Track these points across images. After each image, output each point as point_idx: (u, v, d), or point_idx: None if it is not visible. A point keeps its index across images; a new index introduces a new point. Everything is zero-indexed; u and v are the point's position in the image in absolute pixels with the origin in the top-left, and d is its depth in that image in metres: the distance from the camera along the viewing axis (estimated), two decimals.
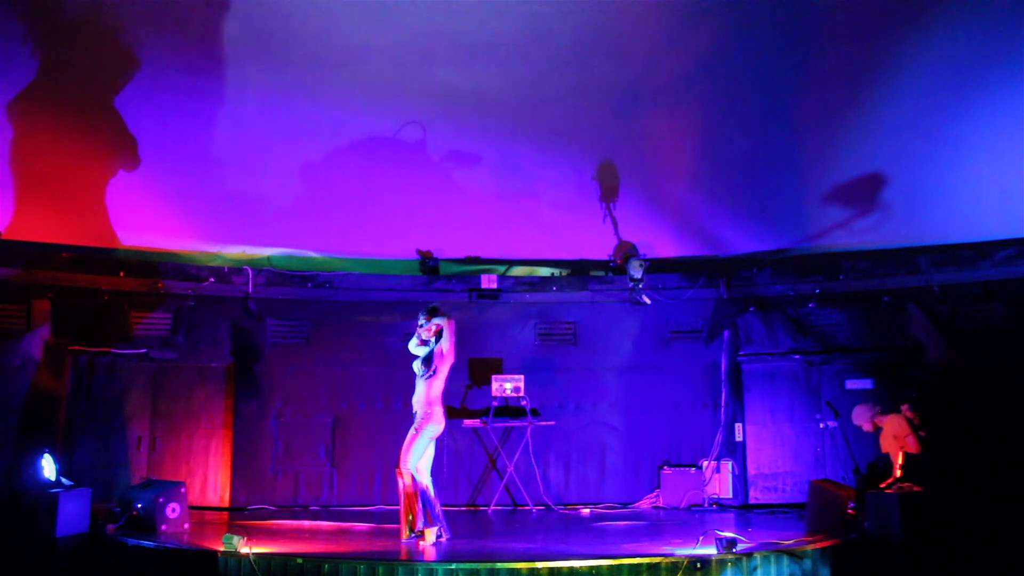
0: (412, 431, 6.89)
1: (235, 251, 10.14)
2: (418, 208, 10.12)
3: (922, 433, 7.93)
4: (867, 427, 8.22)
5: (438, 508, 6.97)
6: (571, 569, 5.74)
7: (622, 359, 10.17)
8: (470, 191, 10.12)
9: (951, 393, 8.06)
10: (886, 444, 8.03)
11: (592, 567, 5.75)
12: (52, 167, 9.27)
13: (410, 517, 6.79)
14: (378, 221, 10.16)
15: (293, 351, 10.02)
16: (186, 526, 7.46)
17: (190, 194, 9.76)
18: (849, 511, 6.95)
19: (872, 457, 8.57)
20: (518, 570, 5.70)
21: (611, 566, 5.77)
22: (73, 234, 9.55)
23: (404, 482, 6.81)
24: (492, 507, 9.68)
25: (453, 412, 9.52)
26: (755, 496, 9.57)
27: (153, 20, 8.74)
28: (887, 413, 8.20)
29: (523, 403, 9.73)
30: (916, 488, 6.77)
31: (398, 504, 7.01)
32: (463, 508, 9.64)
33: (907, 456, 7.55)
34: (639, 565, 5.79)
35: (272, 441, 9.82)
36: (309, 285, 10.16)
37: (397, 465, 6.90)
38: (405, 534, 6.79)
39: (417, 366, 7.07)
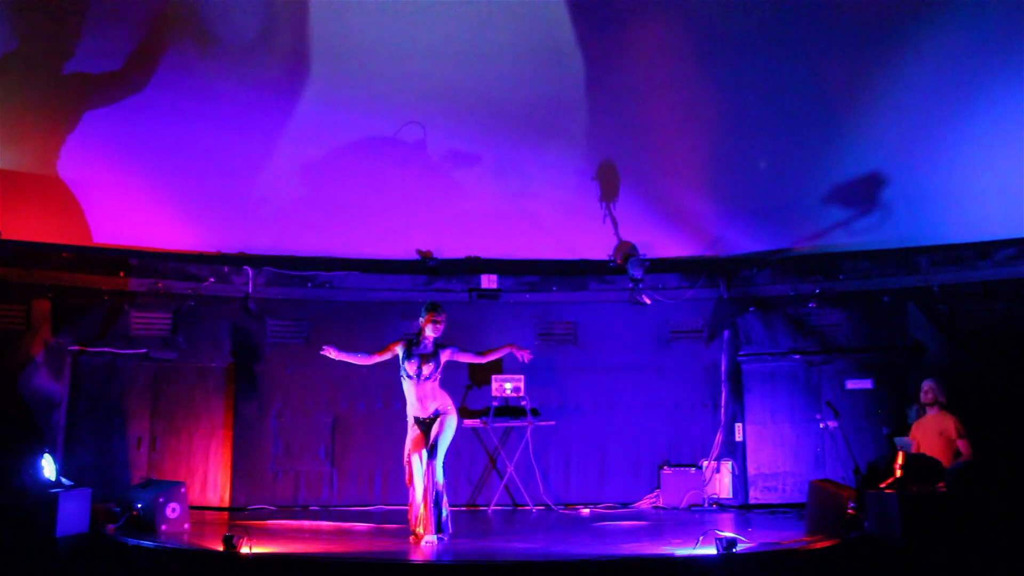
0: (447, 421, 6.95)
1: (235, 251, 10.14)
2: (418, 208, 10.12)
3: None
4: (926, 398, 7.91)
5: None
6: (571, 569, 5.74)
7: (622, 359, 10.16)
8: (470, 191, 10.12)
9: (951, 393, 8.04)
10: (928, 440, 7.74)
11: (592, 567, 5.75)
12: (50, 167, 9.28)
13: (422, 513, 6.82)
14: (378, 221, 10.15)
15: (293, 351, 10.02)
16: (186, 526, 7.46)
17: (190, 194, 9.76)
18: (849, 511, 6.93)
19: (872, 457, 8.56)
20: (518, 570, 5.70)
21: (611, 566, 5.77)
22: (73, 234, 9.55)
23: (438, 480, 6.84)
24: (492, 507, 9.68)
25: None
26: (755, 496, 9.57)
27: (152, 20, 8.74)
28: (942, 407, 7.91)
29: (523, 403, 9.73)
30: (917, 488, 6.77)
31: (404, 503, 7.04)
32: (463, 508, 9.63)
33: (907, 456, 7.53)
34: (639, 565, 5.80)
35: (272, 441, 9.82)
36: (309, 285, 10.16)
37: (434, 458, 6.88)
38: (430, 530, 6.78)
39: (414, 370, 7.01)
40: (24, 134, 9.01)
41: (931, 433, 7.75)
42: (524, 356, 7.34)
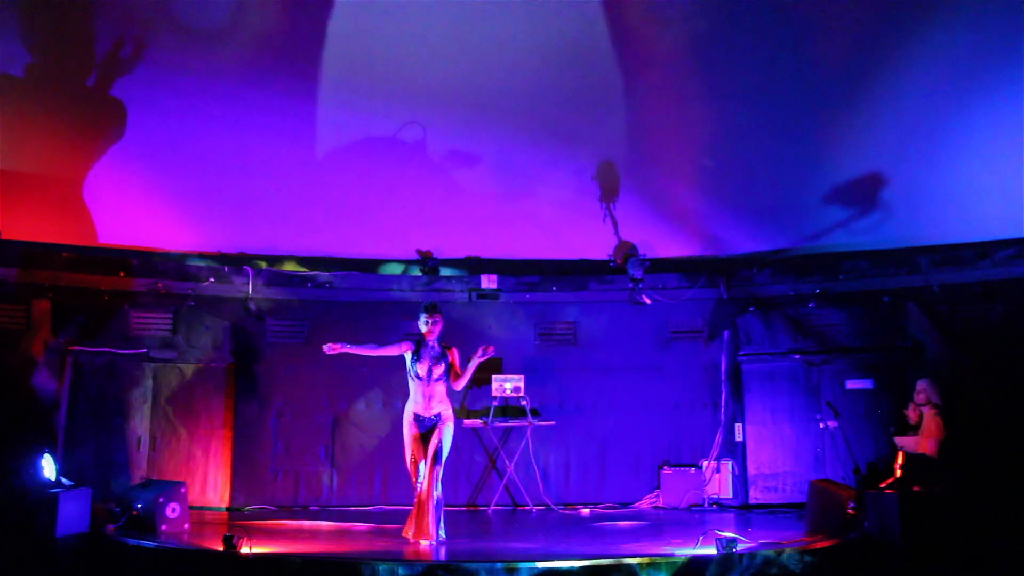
0: (445, 430, 6.94)
1: (235, 251, 10.14)
2: (418, 208, 10.12)
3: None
4: (921, 398, 7.98)
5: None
6: (571, 569, 5.74)
7: (622, 359, 10.17)
8: (470, 191, 10.11)
9: (951, 393, 8.04)
10: (920, 439, 7.82)
11: (591, 567, 5.75)
12: (50, 167, 9.28)
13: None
14: (378, 221, 10.15)
15: (293, 351, 10.02)
16: (186, 526, 7.46)
17: (190, 194, 9.76)
18: (849, 511, 6.94)
19: (872, 457, 8.56)
20: (517, 570, 5.70)
21: (611, 566, 5.77)
22: (73, 234, 9.56)
23: (437, 490, 6.85)
24: (492, 507, 9.68)
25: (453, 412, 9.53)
26: (755, 496, 9.57)
27: (153, 20, 8.74)
28: (932, 406, 7.90)
29: (523, 403, 9.73)
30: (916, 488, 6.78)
31: (404, 503, 7.01)
32: (463, 508, 9.64)
33: (907, 456, 7.55)
34: (639, 564, 5.79)
35: (272, 441, 9.82)
36: (309, 285, 10.16)
37: (440, 464, 6.89)
38: (421, 537, 6.77)
39: (425, 371, 6.99)
40: (35, 138, 9.07)
41: (920, 433, 7.80)
42: (486, 353, 7.23)
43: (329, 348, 7.04)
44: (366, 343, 7.30)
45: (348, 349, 7.07)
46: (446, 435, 6.97)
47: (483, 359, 6.99)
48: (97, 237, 9.70)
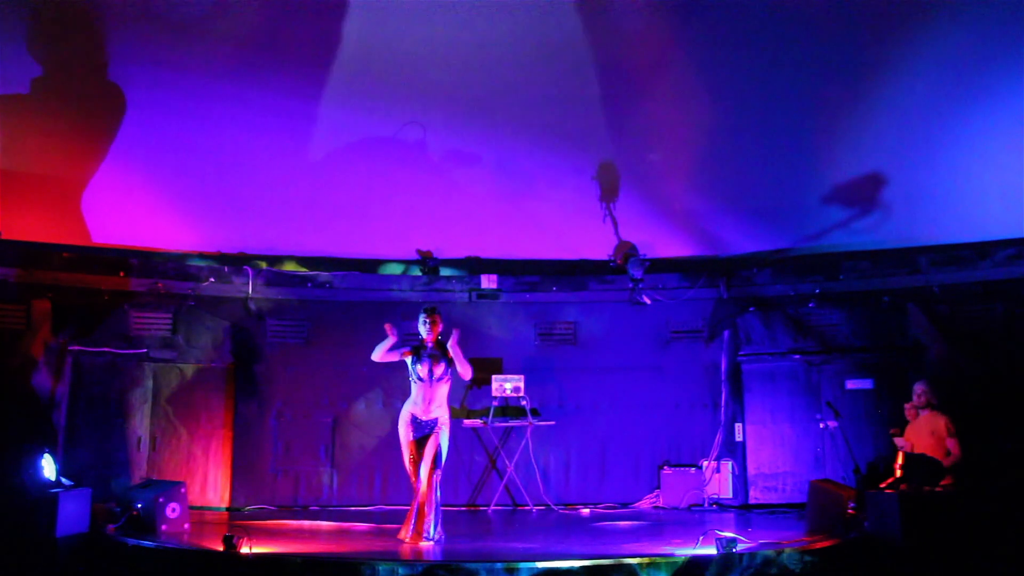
0: (441, 436, 6.96)
1: (235, 251, 10.15)
2: (418, 208, 10.12)
3: None
4: (919, 400, 7.93)
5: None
6: (571, 569, 5.74)
7: (622, 359, 10.17)
8: (470, 191, 10.12)
9: (951, 393, 8.04)
10: (920, 440, 7.78)
11: (591, 567, 5.75)
12: (50, 167, 9.28)
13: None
14: (378, 221, 10.16)
15: (293, 351, 10.03)
16: (186, 526, 7.46)
17: (190, 194, 9.77)
18: (849, 511, 6.94)
19: (872, 457, 8.56)
20: (517, 570, 5.71)
21: (611, 566, 5.77)
22: (73, 234, 9.56)
23: (436, 493, 6.88)
24: (492, 507, 9.69)
25: (453, 412, 9.49)
26: (755, 496, 9.57)
27: (153, 20, 8.75)
28: (933, 408, 7.89)
29: (523, 403, 9.73)
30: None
31: (404, 503, 7.01)
32: (463, 508, 9.64)
33: (907, 456, 7.54)
34: (639, 564, 5.80)
35: (272, 441, 9.82)
36: (309, 285, 10.17)
37: (440, 468, 6.93)
38: (418, 538, 6.79)
39: (426, 373, 6.99)
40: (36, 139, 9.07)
41: (923, 433, 7.78)
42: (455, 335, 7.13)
43: (391, 329, 7.02)
44: (381, 345, 7.18)
45: (392, 334, 7.03)
46: (443, 440, 7.00)
47: (456, 342, 7.00)
48: (97, 237, 9.70)
